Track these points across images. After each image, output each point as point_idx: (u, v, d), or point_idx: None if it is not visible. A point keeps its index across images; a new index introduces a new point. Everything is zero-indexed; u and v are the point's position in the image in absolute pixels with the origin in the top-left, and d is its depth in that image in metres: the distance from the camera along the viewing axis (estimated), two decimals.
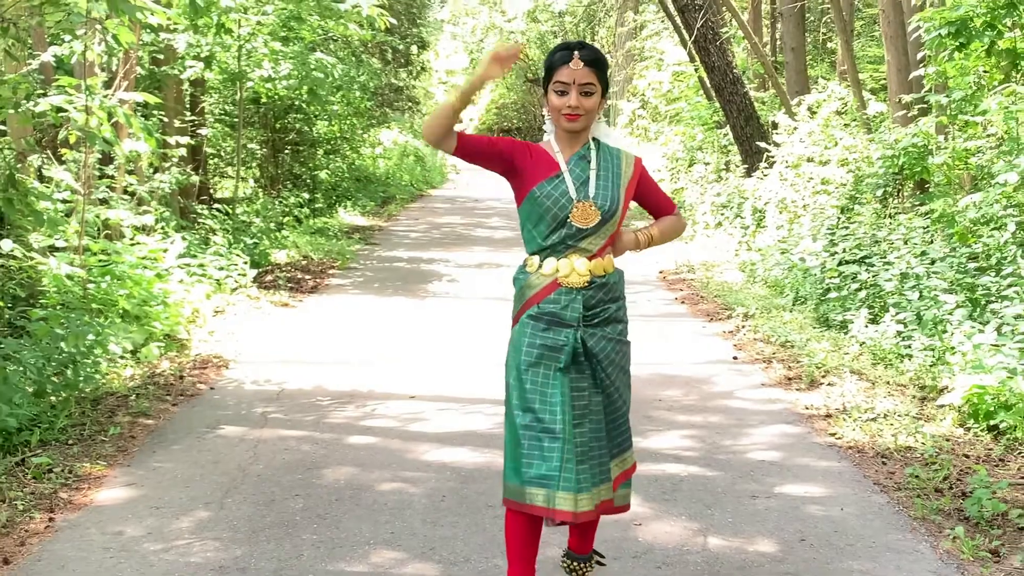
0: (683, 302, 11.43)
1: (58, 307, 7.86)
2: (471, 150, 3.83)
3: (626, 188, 3.90)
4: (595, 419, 3.84)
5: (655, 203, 4.14)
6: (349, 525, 5.01)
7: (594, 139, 3.92)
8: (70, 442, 6.21)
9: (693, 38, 17.18)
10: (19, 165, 7.95)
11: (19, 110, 7.69)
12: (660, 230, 4.10)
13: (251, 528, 4.96)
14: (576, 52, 3.75)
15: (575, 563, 4.15)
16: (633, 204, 4.04)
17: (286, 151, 18.97)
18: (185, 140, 11.99)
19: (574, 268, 3.79)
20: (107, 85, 9.60)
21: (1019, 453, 5.94)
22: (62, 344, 7.07)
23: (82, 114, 8.26)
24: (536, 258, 3.86)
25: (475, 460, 5.96)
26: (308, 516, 5.12)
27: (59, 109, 8.06)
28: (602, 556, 4.26)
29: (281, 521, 5.06)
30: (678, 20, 18.44)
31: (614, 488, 3.91)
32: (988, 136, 10.05)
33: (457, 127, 3.75)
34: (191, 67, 13.53)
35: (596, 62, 3.78)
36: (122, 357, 7.98)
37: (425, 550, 4.70)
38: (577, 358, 3.79)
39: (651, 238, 4.06)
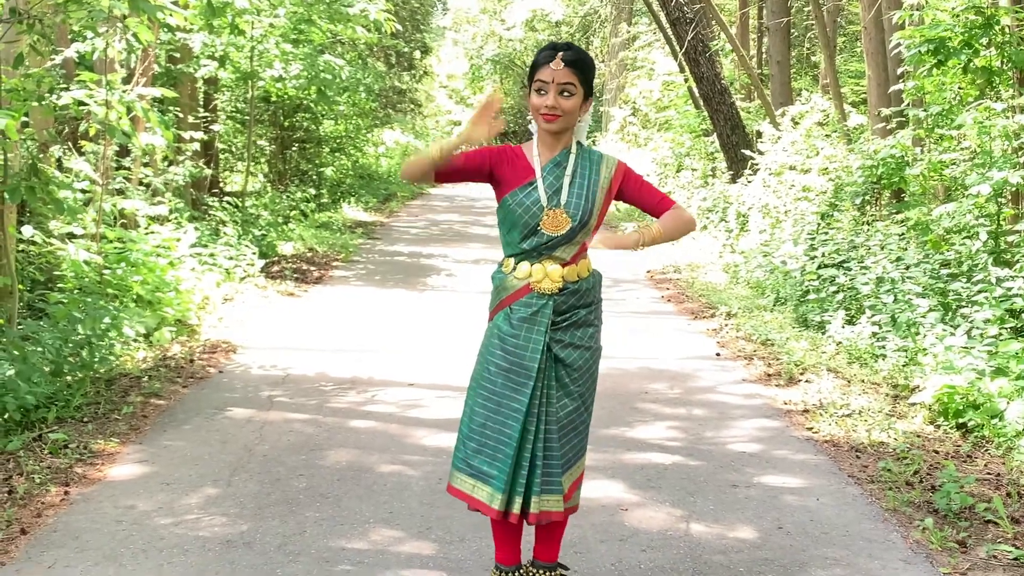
0: (669, 300, 11.45)
1: (75, 291, 7.87)
2: (451, 176, 3.73)
3: (604, 194, 3.75)
4: (552, 431, 3.68)
5: (650, 202, 3.86)
6: (350, 504, 5.02)
7: (578, 143, 3.79)
8: (85, 420, 6.22)
9: (684, 50, 17.21)
10: (41, 155, 7.94)
11: (42, 103, 7.68)
12: (663, 227, 3.76)
13: (257, 505, 4.97)
14: (560, 52, 3.60)
15: (539, 571, 3.96)
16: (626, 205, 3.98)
17: (294, 148, 18.98)
18: (199, 135, 11.99)
19: (547, 274, 3.67)
20: (126, 81, 9.59)
21: (986, 450, 5.97)
22: (79, 327, 7.07)
23: (102, 108, 8.25)
24: (512, 260, 3.75)
25: None
26: (311, 495, 5.14)
27: (80, 103, 8.05)
28: (566, 568, 4.07)
29: (285, 499, 5.06)
30: (669, 32, 18.48)
31: (567, 499, 3.76)
32: (962, 149, 10.07)
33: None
34: (205, 66, 13.53)
35: (578, 63, 3.62)
36: (135, 340, 7.98)
37: (422, 529, 4.72)
38: (543, 366, 3.67)
39: (654, 236, 3.75)
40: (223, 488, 5.19)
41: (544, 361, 3.67)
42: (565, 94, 3.59)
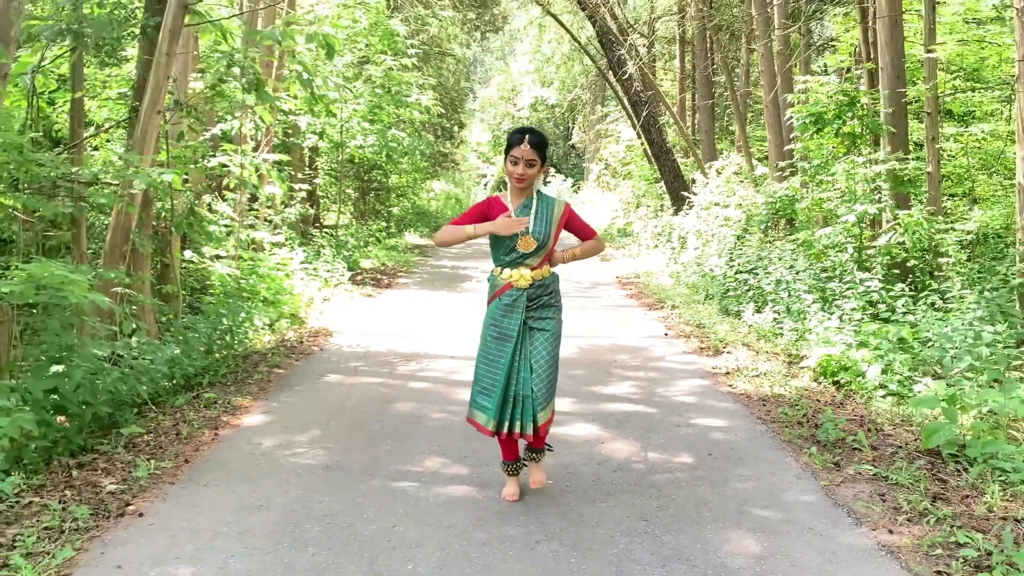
0: (632, 297, 11.41)
1: (221, 296, 7.89)
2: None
3: (557, 224, 3.98)
4: (524, 378, 3.91)
5: (579, 232, 4.16)
6: (411, 441, 5.02)
7: (537, 192, 3.99)
8: (228, 384, 6.23)
9: (640, 123, 17.16)
10: (196, 202, 7.97)
11: (196, 166, 7.72)
12: (582, 250, 4.20)
13: (347, 441, 4.98)
14: (527, 136, 3.80)
15: (533, 453, 4.20)
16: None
17: (371, 194, 18.96)
18: (304, 187, 12.00)
19: (522, 275, 3.94)
20: (254, 149, 9.62)
21: (853, 400, 5.93)
22: (224, 320, 7.09)
23: (238, 168, 8.28)
24: (499, 268, 4.00)
25: None
26: (384, 434, 5.14)
27: (223, 165, 8.08)
28: (551, 447, 4.37)
29: (366, 437, 5.07)
30: (630, 111, 18.39)
31: (542, 433, 3.98)
32: (835, 190, 10.00)
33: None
34: (310, 138, 13.54)
35: (539, 144, 3.83)
36: (263, 329, 8.00)
37: (460, 457, 4.72)
38: (521, 334, 3.92)
39: (574, 255, 4.17)
40: (323, 430, 5.20)
41: (521, 331, 3.93)
42: (530, 166, 3.85)
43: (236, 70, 7.32)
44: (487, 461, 4.63)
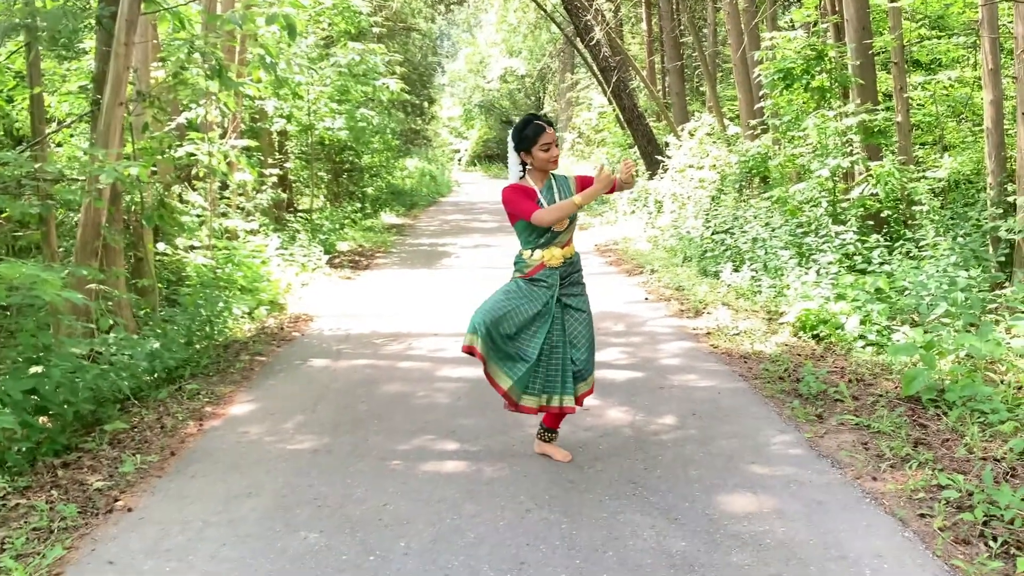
0: (611, 264, 11.44)
1: (198, 286, 7.83)
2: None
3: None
4: (565, 355, 4.00)
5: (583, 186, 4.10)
6: (398, 420, 5.03)
7: (551, 173, 4.03)
8: (211, 374, 6.20)
9: (610, 89, 17.10)
10: (166, 193, 7.88)
11: (163, 156, 7.62)
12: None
13: (333, 424, 4.98)
14: (547, 123, 3.91)
15: (547, 433, 4.27)
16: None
17: (344, 176, 18.79)
18: (275, 171, 11.87)
19: (553, 255, 3.98)
20: (221, 136, 9.50)
21: (833, 352, 6.00)
22: (202, 310, 7.04)
23: (206, 156, 8.19)
24: (530, 251, 4.00)
25: (479, 375, 5.95)
26: (371, 415, 5.14)
27: (191, 154, 7.98)
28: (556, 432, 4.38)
29: (353, 419, 5.07)
30: (600, 77, 18.31)
31: (579, 403, 4.10)
32: (807, 145, 10.05)
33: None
34: (277, 122, 13.39)
35: (554, 126, 4.00)
36: (242, 317, 7.94)
37: (448, 433, 4.73)
38: (556, 312, 3.98)
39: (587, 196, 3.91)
40: (309, 415, 5.20)
41: (557, 308, 4.00)
42: (556, 146, 3.96)
43: (197, 56, 7.20)
44: (475, 435, 4.66)
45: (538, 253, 3.99)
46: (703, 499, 3.70)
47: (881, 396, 4.90)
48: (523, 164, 4.02)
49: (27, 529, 3.59)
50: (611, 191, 3.95)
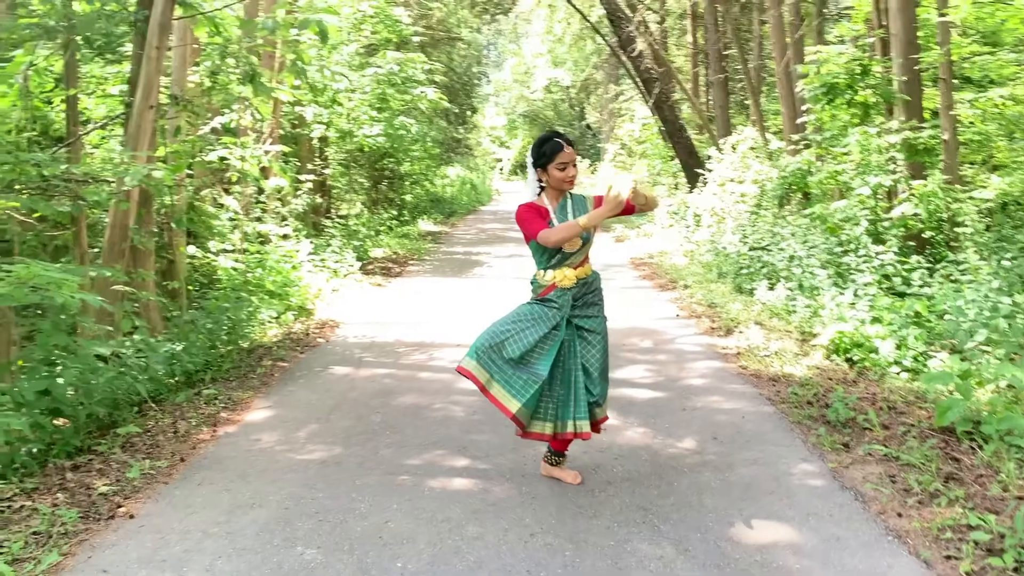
0: (644, 278, 11.26)
1: (228, 290, 7.85)
2: None
3: None
4: (578, 378, 3.84)
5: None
6: (411, 433, 4.94)
7: (568, 192, 3.90)
8: (231, 379, 6.18)
9: (652, 101, 16.93)
10: (197, 196, 7.93)
11: (195, 160, 7.67)
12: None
13: (346, 435, 4.91)
14: (566, 141, 3.78)
15: (554, 457, 4.14)
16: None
17: (383, 183, 18.87)
18: (311, 177, 11.91)
19: (565, 275, 3.84)
20: (257, 141, 9.55)
21: (866, 377, 5.78)
22: (227, 315, 7.04)
23: (240, 161, 8.23)
24: (543, 271, 3.88)
25: None
26: (384, 426, 5.07)
27: (223, 159, 8.03)
28: (566, 454, 4.22)
29: (366, 430, 5.00)
30: (642, 88, 18.14)
31: (595, 429, 3.96)
32: (850, 161, 9.79)
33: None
34: (317, 128, 13.47)
35: (573, 144, 3.84)
36: (269, 322, 7.95)
37: (459, 449, 4.63)
38: (567, 335, 3.84)
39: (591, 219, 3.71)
40: (323, 424, 5.14)
41: (569, 331, 3.86)
42: (574, 165, 3.80)
43: (231, 61, 7.24)
44: (486, 453, 4.55)
45: (550, 274, 3.86)
46: (716, 530, 3.54)
47: (913, 426, 4.67)
48: (540, 182, 3.90)
49: (27, 533, 3.57)
50: (627, 212, 3.78)
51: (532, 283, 3.99)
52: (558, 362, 3.85)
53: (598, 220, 3.63)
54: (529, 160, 3.91)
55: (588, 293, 3.92)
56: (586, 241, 3.85)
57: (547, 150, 3.78)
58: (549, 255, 3.84)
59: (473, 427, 4.99)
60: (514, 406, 3.79)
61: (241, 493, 4.04)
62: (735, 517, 3.67)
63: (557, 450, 4.10)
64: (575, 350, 3.87)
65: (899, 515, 3.64)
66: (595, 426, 3.94)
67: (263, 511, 3.82)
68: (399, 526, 3.64)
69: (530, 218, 3.79)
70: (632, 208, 3.75)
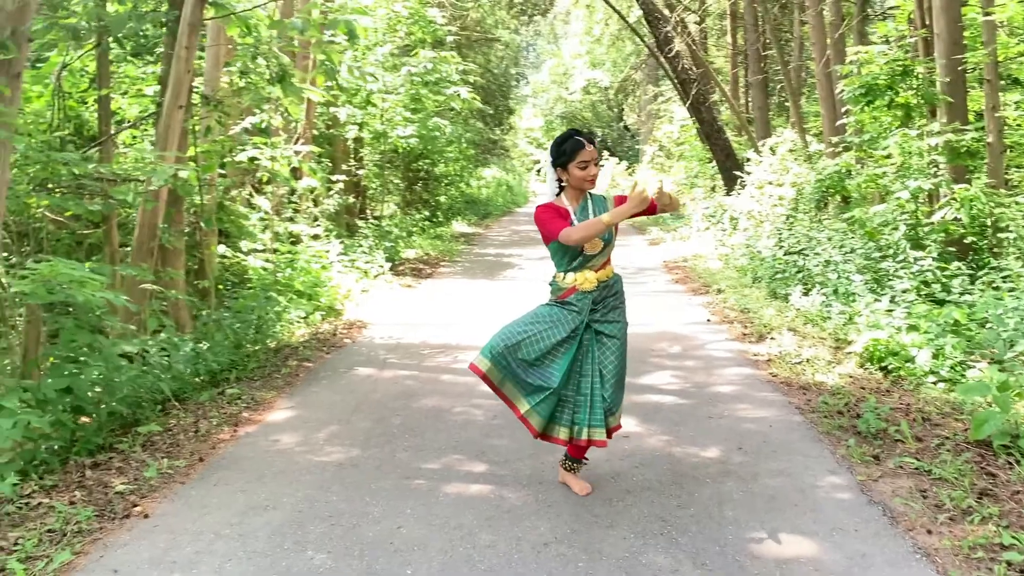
0: (677, 282, 11.11)
1: (258, 290, 7.88)
2: None
3: None
4: (594, 384, 3.76)
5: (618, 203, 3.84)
6: (431, 436, 4.90)
7: (587, 192, 3.81)
8: (255, 379, 6.20)
9: (689, 102, 16.75)
10: (227, 196, 7.99)
11: (226, 160, 7.72)
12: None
13: (365, 437, 4.89)
14: (588, 139, 3.67)
15: (570, 462, 4.05)
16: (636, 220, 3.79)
17: (418, 184, 18.92)
18: (343, 178, 11.94)
19: (586, 278, 3.75)
20: (288, 142, 9.60)
21: (901, 386, 5.60)
22: (253, 314, 7.07)
23: (270, 161, 8.27)
24: (563, 274, 3.80)
25: None
26: (404, 429, 5.03)
27: (253, 159, 8.08)
28: (586, 460, 4.12)
29: (386, 433, 4.97)
30: (680, 89, 17.95)
31: (609, 436, 3.84)
32: (891, 164, 9.55)
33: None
34: (351, 129, 13.53)
35: (594, 143, 3.74)
36: (297, 321, 7.98)
37: (478, 454, 4.57)
38: (585, 339, 3.75)
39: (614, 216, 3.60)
40: (343, 425, 5.12)
41: (587, 335, 3.76)
42: (595, 164, 3.70)
43: (261, 61, 7.27)
44: (505, 458, 4.49)
45: (571, 276, 3.77)
46: (735, 543, 3.44)
47: (947, 439, 4.51)
48: (559, 181, 3.82)
49: (41, 531, 3.58)
50: (650, 212, 3.70)
51: (551, 285, 3.90)
52: (574, 367, 3.77)
53: (622, 217, 3.53)
54: (548, 159, 3.83)
55: (609, 296, 3.82)
56: (607, 242, 3.76)
57: (567, 148, 3.69)
58: (570, 257, 3.75)
59: (493, 431, 4.93)
60: (523, 407, 3.76)
61: (256, 494, 4.03)
62: (756, 530, 3.56)
63: (573, 456, 4.02)
64: (593, 355, 3.78)
65: (929, 532, 3.51)
66: (607, 434, 3.85)
67: (277, 513, 3.80)
68: (411, 532, 3.59)
69: (550, 218, 3.69)
70: (654, 208, 3.66)
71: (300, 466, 4.41)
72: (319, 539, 3.53)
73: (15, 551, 3.40)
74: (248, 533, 3.60)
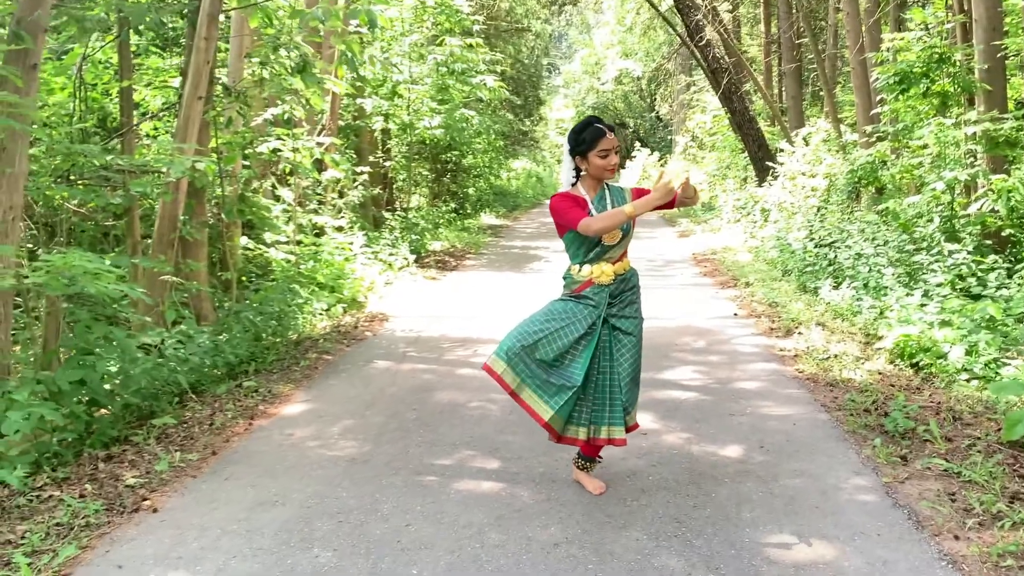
0: (706, 275, 10.93)
1: (281, 281, 7.86)
2: None
3: None
4: (611, 381, 3.68)
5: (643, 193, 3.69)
6: (444, 431, 4.84)
7: (605, 183, 3.69)
8: (273, 371, 6.19)
9: (720, 92, 16.50)
10: (248, 187, 7.98)
11: (247, 152, 7.70)
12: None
13: (379, 432, 4.84)
14: (608, 128, 3.58)
15: (584, 461, 3.96)
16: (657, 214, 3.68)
17: (447, 176, 18.87)
18: (367, 169, 11.90)
19: (603, 271, 3.65)
20: (311, 133, 9.58)
21: (932, 384, 5.43)
22: (272, 306, 7.06)
23: (292, 153, 8.26)
24: (578, 266, 3.69)
25: None
26: (418, 424, 4.98)
27: (275, 150, 8.06)
28: (600, 458, 4.03)
29: (400, 427, 4.92)
30: (711, 79, 17.67)
31: (626, 431, 3.76)
32: (928, 154, 9.30)
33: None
34: (377, 120, 13.51)
35: (615, 131, 3.65)
36: (320, 314, 7.97)
37: (491, 450, 4.50)
38: (602, 334, 3.66)
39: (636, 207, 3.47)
40: (358, 419, 5.08)
41: (604, 330, 3.67)
42: (616, 153, 3.61)
43: (282, 52, 7.24)
44: (518, 455, 4.41)
45: (587, 269, 3.66)
46: (752, 546, 3.33)
47: (979, 439, 4.35)
48: (577, 171, 3.72)
49: (49, 524, 3.58)
50: (670, 206, 3.59)
51: (565, 278, 3.79)
52: (593, 365, 3.67)
53: (645, 208, 3.42)
54: (566, 148, 3.71)
55: (627, 291, 3.72)
56: (626, 234, 3.65)
57: (587, 136, 3.57)
58: (586, 249, 3.65)
59: (507, 427, 4.85)
60: (547, 413, 3.63)
61: (266, 489, 3.99)
62: (774, 533, 3.45)
63: (587, 455, 3.93)
64: (610, 352, 3.68)
65: (956, 537, 3.37)
66: (627, 431, 3.75)
67: (284, 509, 3.76)
68: (419, 530, 3.53)
69: (567, 207, 3.57)
70: (675, 201, 3.54)
71: (312, 461, 4.37)
72: (326, 536, 3.48)
73: (22, 544, 3.39)
74: (255, 529, 3.56)
